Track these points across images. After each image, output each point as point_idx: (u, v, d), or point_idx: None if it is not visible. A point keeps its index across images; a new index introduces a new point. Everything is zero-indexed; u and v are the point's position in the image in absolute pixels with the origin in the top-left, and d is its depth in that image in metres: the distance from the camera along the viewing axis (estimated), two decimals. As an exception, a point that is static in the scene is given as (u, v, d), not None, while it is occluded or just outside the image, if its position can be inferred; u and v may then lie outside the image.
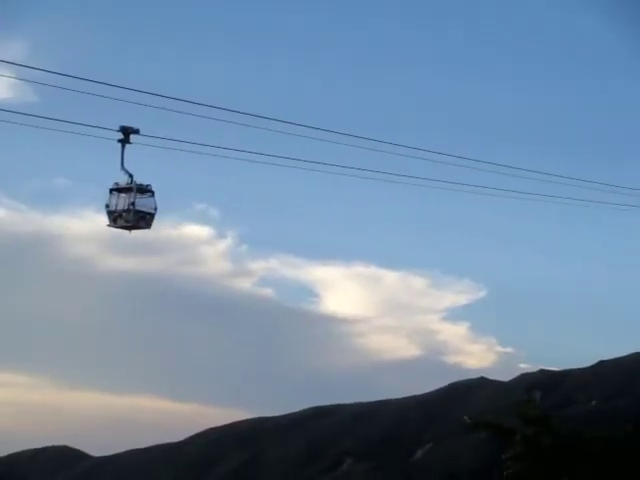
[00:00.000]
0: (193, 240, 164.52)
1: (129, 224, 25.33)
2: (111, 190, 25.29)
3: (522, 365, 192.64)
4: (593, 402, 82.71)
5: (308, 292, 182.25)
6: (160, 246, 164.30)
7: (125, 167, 24.46)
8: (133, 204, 24.99)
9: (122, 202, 25.13)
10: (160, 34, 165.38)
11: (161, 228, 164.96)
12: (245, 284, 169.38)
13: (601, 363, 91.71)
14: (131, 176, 24.82)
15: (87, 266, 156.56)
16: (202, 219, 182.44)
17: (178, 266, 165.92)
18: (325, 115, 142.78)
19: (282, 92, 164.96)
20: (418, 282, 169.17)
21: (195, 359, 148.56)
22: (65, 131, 22.26)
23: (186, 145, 24.35)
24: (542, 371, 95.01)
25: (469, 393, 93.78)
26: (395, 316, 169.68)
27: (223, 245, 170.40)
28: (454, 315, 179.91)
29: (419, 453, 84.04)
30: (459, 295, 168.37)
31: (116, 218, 25.31)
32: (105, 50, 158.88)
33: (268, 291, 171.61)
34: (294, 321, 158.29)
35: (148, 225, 25.67)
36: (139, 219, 25.30)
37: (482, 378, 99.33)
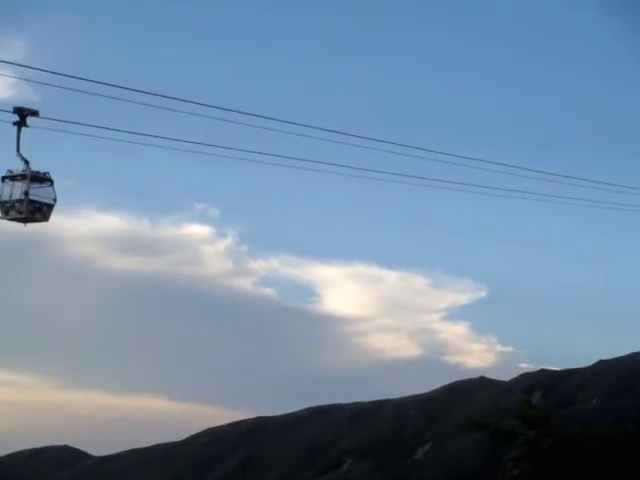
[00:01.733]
0: (193, 240, 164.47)
1: (22, 216, 23.10)
2: (3, 178, 23.10)
3: (522, 365, 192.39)
4: (593, 401, 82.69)
5: (308, 291, 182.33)
6: (160, 246, 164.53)
7: (21, 152, 22.67)
8: (27, 193, 22.71)
9: (16, 191, 22.94)
10: (162, 33, 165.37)
11: (162, 228, 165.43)
12: (245, 283, 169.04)
13: (601, 363, 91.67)
14: (27, 163, 22.76)
15: (87, 266, 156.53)
16: (202, 219, 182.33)
17: (178, 266, 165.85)
18: (326, 114, 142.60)
19: (283, 91, 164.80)
20: (418, 282, 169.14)
21: (195, 359, 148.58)
22: (65, 131, 22.21)
23: (186, 145, 24.28)
24: (542, 371, 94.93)
25: (469, 393, 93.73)
26: (395, 316, 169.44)
27: (223, 245, 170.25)
28: (454, 315, 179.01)
29: (419, 453, 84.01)
30: (460, 295, 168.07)
31: (8, 209, 23.08)
32: (106, 50, 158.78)
33: (268, 290, 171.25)
34: (294, 320, 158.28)
35: (45, 217, 23.44)
36: (34, 210, 23.07)
37: (482, 378, 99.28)
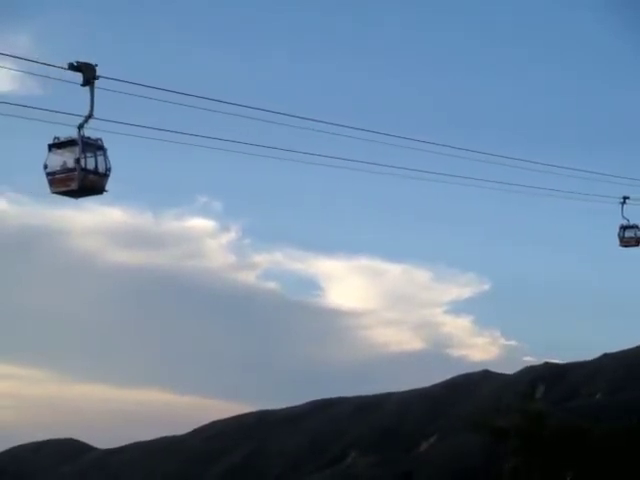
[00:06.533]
0: (197, 233, 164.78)
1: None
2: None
3: (526, 358, 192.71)
4: (597, 395, 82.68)
5: (312, 285, 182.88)
6: (164, 239, 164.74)
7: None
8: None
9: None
10: (165, 26, 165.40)
11: (165, 221, 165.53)
12: (249, 277, 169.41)
13: (605, 356, 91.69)
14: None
15: (92, 259, 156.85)
16: (205, 212, 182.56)
17: (182, 259, 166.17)
18: (328, 108, 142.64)
19: (286, 86, 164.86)
20: (422, 275, 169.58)
21: (199, 352, 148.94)
22: (69, 124, 22.16)
23: (189, 138, 24.24)
24: (546, 364, 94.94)
25: (473, 386, 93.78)
26: (399, 309, 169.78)
27: (227, 238, 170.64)
28: (458, 308, 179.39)
29: (423, 446, 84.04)
30: (463, 288, 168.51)
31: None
32: (110, 43, 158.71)
33: (272, 284, 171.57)
34: (298, 314, 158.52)
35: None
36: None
37: (486, 371, 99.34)
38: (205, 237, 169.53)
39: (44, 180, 19.97)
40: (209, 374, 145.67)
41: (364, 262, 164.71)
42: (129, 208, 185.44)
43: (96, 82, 19.45)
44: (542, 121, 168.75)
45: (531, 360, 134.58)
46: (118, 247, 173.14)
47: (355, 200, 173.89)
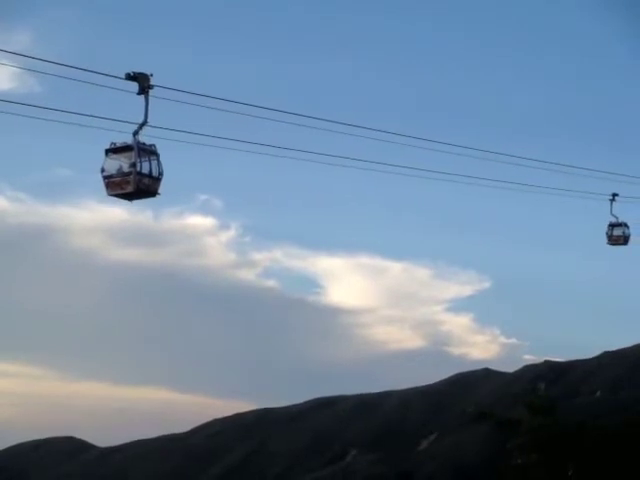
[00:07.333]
0: (196, 231, 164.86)
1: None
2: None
3: (526, 356, 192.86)
4: (597, 393, 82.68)
5: (312, 283, 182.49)
6: (164, 237, 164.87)
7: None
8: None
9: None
10: (167, 25, 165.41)
11: (164, 219, 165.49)
12: (249, 275, 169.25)
13: (606, 354, 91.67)
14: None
15: (91, 257, 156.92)
16: (205, 210, 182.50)
17: (181, 257, 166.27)
18: (328, 107, 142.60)
19: (287, 85, 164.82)
20: (422, 273, 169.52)
21: (199, 350, 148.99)
22: (69, 122, 22.14)
23: (189, 136, 24.23)
24: (546, 362, 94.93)
25: (474, 384, 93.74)
26: (399, 307, 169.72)
27: (226, 236, 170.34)
28: (458, 306, 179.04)
29: (424, 444, 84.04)
30: (463, 286, 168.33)
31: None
32: (110, 41, 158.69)
33: (272, 282, 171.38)
34: (298, 312, 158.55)
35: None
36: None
37: (486, 369, 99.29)
38: (205, 235, 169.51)
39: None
40: (209, 372, 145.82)
41: (364, 260, 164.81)
42: (129, 206, 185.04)
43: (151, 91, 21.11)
44: (533, 118, 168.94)
45: (531, 358, 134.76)
46: (118, 245, 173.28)
47: (355, 198, 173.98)
